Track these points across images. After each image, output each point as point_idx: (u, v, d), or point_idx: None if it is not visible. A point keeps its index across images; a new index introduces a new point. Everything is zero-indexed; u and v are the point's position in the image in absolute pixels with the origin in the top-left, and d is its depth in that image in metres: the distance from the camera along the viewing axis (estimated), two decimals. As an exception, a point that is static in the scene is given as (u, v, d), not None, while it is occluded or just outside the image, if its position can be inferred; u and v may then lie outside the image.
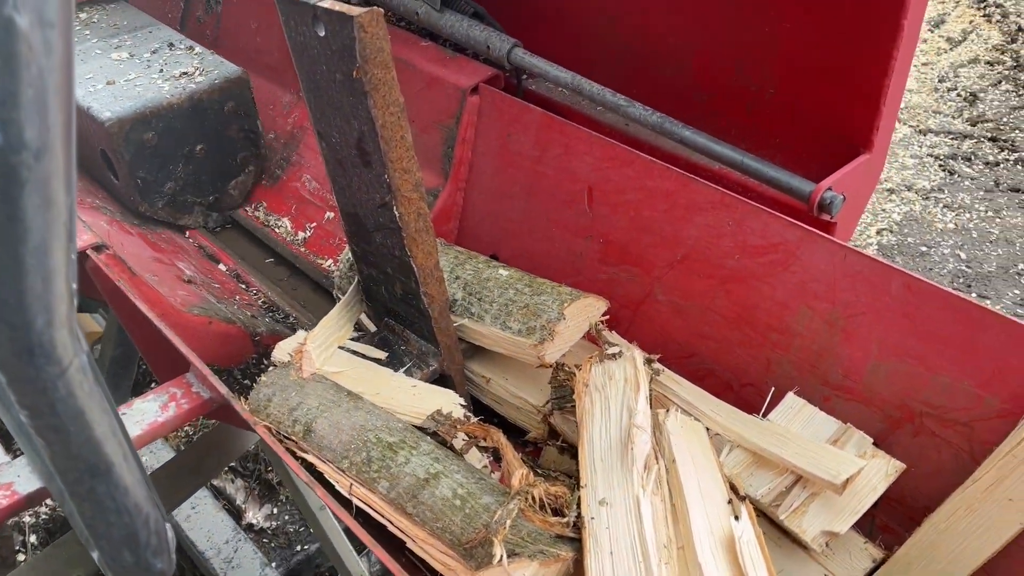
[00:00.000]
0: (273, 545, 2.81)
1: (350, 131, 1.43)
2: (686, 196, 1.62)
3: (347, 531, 2.48)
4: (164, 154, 2.02)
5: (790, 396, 1.46)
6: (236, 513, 2.84)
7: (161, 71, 2.11)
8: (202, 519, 2.64)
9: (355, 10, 1.26)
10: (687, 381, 1.53)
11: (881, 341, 1.40)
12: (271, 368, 1.54)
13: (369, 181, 1.47)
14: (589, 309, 1.58)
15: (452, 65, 2.03)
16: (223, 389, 1.21)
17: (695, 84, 1.88)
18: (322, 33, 1.33)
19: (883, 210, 4.48)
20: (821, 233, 1.45)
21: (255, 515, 2.83)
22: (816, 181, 1.59)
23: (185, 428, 3.16)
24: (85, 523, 0.81)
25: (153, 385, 2.59)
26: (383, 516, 1.32)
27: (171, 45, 2.25)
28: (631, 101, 1.79)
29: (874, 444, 1.40)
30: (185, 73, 2.09)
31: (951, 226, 4.34)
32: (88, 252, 1.50)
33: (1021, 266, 4.08)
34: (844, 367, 1.44)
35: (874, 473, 1.33)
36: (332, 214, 2.15)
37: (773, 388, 1.49)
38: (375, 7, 1.26)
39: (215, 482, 2.89)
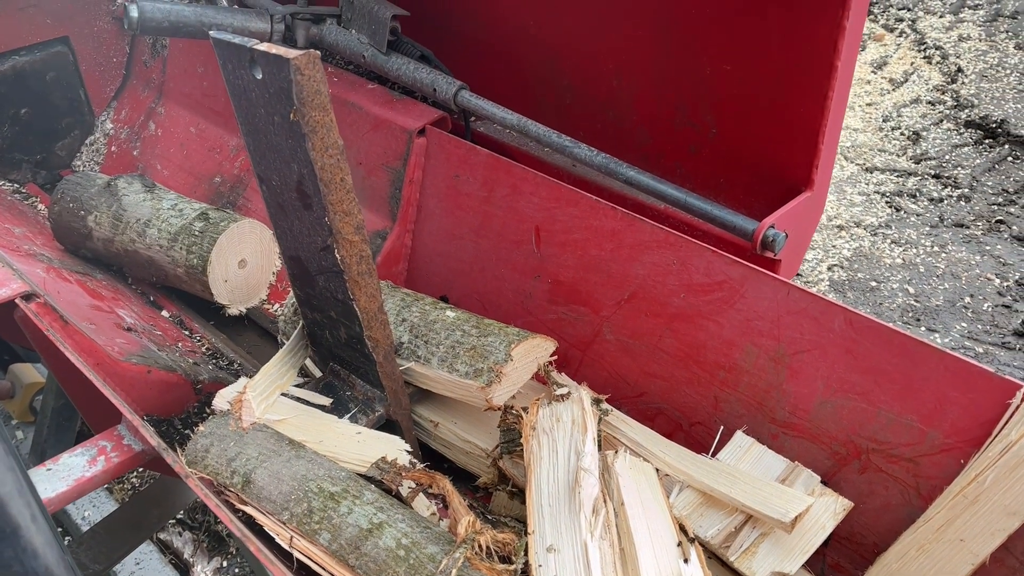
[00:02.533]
0: (222, 600, 2.71)
1: (290, 174, 1.41)
2: (632, 235, 1.62)
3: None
4: None
5: (739, 435, 1.46)
6: (183, 568, 2.74)
7: None
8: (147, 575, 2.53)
9: (291, 52, 1.25)
10: (636, 421, 1.52)
11: (826, 378, 1.40)
12: (210, 417, 1.49)
13: (310, 224, 1.45)
14: (537, 350, 1.57)
15: (399, 107, 2.02)
16: (155, 441, 1.17)
17: (639, 125, 1.89)
18: (259, 76, 1.32)
19: (833, 246, 4.56)
20: (764, 271, 1.46)
21: (203, 569, 2.73)
22: (760, 219, 1.61)
23: (131, 479, 3.05)
24: (-10, 590, 0.76)
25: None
26: (325, 569, 1.28)
27: None
28: (576, 142, 1.80)
29: (823, 481, 1.39)
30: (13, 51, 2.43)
31: (899, 261, 4.43)
32: (17, 301, 1.45)
33: (967, 300, 4.16)
34: (791, 404, 1.44)
35: (822, 511, 1.33)
36: (279, 261, 2.12)
37: (722, 427, 1.49)
38: (311, 50, 1.25)
39: (161, 535, 2.79)
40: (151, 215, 2.01)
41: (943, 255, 4.47)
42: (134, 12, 1.92)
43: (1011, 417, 1.20)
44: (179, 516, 2.89)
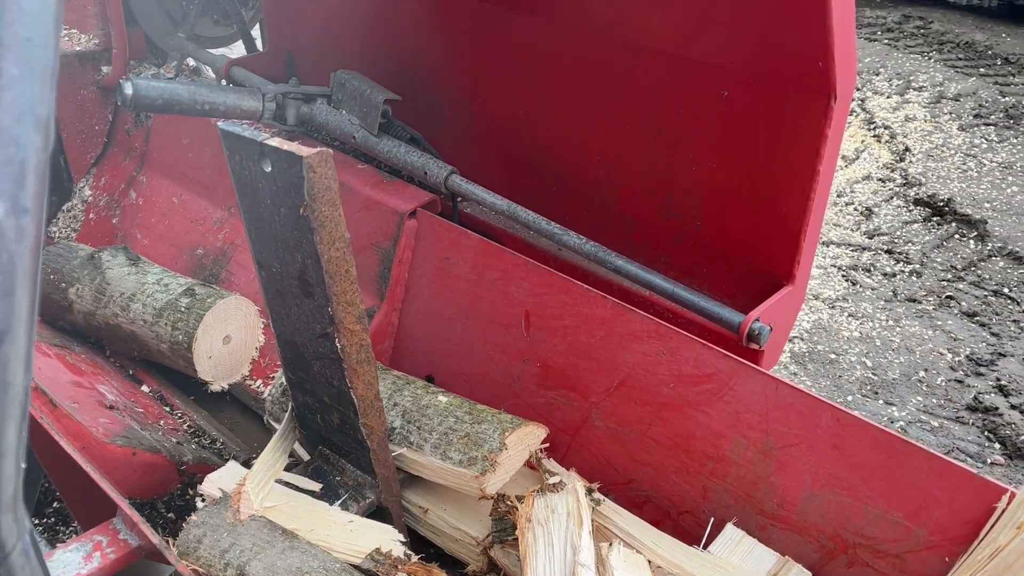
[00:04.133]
0: None
1: (292, 263, 1.43)
2: (622, 324, 1.66)
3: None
4: None
5: (729, 527, 1.48)
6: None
7: None
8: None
9: (304, 150, 1.28)
10: (627, 512, 1.53)
11: (813, 472, 1.44)
12: (201, 505, 1.47)
13: (310, 311, 1.46)
14: (529, 437, 1.58)
15: (390, 188, 2.06)
16: (155, 538, 1.15)
17: (625, 214, 1.95)
18: (268, 168, 1.34)
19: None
20: (753, 365, 1.50)
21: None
22: (740, 310, 1.66)
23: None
24: None
25: (73, 528, 2.43)
26: (320, 667, 1.26)
27: None
28: (565, 230, 1.85)
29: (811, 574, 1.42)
30: None
31: (856, 334, 4.56)
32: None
33: (922, 374, 4.29)
34: (779, 496, 1.48)
35: (814, 606, 1.35)
36: (263, 336, 2.11)
37: (712, 519, 1.51)
38: (325, 149, 1.28)
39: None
40: (135, 289, 2.00)
41: (897, 329, 4.61)
42: (128, 89, 1.94)
43: (997, 521, 1.25)
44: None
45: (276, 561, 1.36)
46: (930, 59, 8.33)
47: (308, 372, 1.57)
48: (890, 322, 4.67)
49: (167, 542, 1.26)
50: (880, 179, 6.20)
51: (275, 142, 1.32)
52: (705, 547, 1.47)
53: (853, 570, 1.40)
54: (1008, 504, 1.24)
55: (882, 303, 4.83)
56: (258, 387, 2.04)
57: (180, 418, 1.96)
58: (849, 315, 4.72)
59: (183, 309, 1.93)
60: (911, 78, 7.96)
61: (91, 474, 1.24)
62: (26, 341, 0.60)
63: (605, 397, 1.70)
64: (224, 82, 2.48)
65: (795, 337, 4.52)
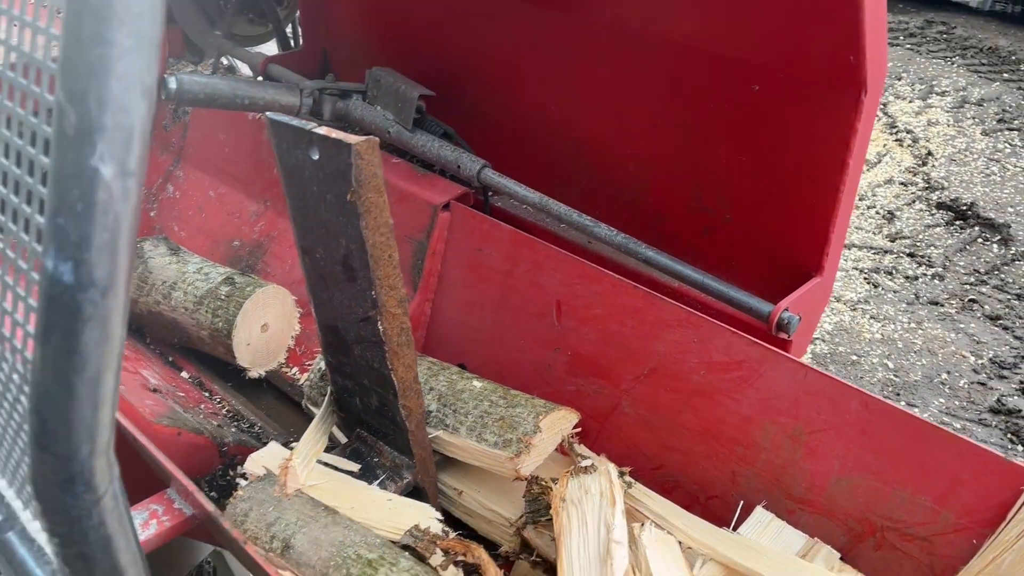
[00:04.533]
0: (214, 666, 2.67)
1: (336, 248, 1.48)
2: (653, 313, 1.70)
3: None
4: None
5: (759, 510, 1.52)
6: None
7: None
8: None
9: (352, 138, 1.33)
10: (657, 495, 1.57)
11: (842, 457, 1.47)
12: (243, 483, 1.52)
13: (353, 296, 1.51)
14: (562, 422, 1.62)
15: (424, 182, 2.11)
16: (210, 506, 1.20)
17: (655, 207, 1.99)
18: (316, 157, 1.40)
19: (815, 320, 4.69)
20: (782, 352, 1.54)
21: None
22: (769, 301, 1.70)
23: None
24: (95, 653, 0.79)
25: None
26: (363, 636, 1.31)
27: None
28: (596, 222, 1.89)
29: (841, 558, 1.45)
30: None
31: (878, 336, 4.57)
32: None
33: (944, 376, 4.29)
34: (807, 481, 1.51)
35: (842, 587, 1.38)
36: (299, 325, 2.16)
37: (742, 502, 1.55)
38: (372, 137, 1.33)
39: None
40: (177, 278, 2.06)
41: (920, 331, 4.61)
42: (173, 84, 2.00)
43: None
44: (173, 578, 2.85)
45: (320, 535, 1.41)
46: (953, 64, 8.30)
47: (348, 356, 1.62)
48: (912, 324, 4.68)
49: (221, 513, 1.31)
50: (902, 183, 6.20)
51: (323, 131, 1.37)
52: (734, 529, 1.50)
53: (881, 553, 1.43)
54: (1035, 486, 1.27)
55: (904, 306, 4.83)
56: (294, 374, 2.10)
57: (219, 403, 2.02)
58: (871, 317, 4.72)
59: (223, 297, 1.98)
60: (934, 83, 7.93)
61: (147, 446, 1.29)
62: (124, 297, 0.65)
63: (635, 384, 1.73)
64: (260, 79, 2.54)
65: (817, 339, 4.53)
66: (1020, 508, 1.27)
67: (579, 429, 1.65)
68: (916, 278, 5.07)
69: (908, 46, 8.98)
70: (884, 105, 7.48)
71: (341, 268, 1.50)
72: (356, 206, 1.36)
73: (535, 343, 1.88)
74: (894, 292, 4.93)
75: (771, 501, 1.54)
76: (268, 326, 2.04)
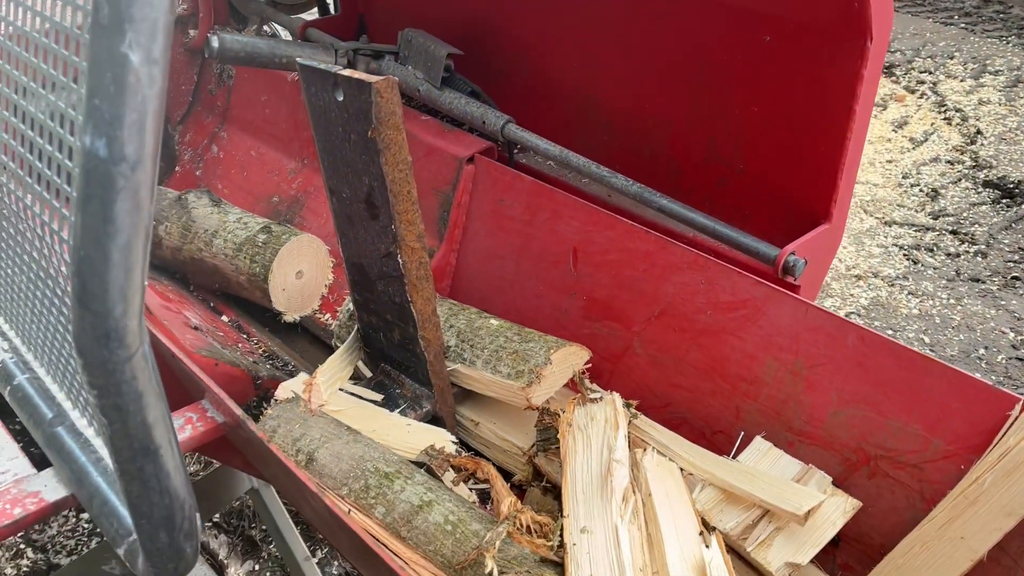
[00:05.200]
0: (253, 602, 2.82)
1: (360, 186, 1.58)
2: (664, 257, 1.77)
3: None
4: None
5: (758, 439, 1.58)
6: (218, 568, 2.86)
7: None
8: (184, 572, 2.65)
9: (372, 78, 1.42)
10: (662, 427, 1.65)
11: (839, 389, 1.53)
12: (276, 403, 1.64)
13: (375, 232, 1.61)
14: (573, 357, 1.71)
15: (450, 137, 2.20)
16: (238, 411, 1.31)
17: (672, 160, 2.06)
18: (340, 98, 1.50)
19: (851, 295, 4.68)
20: (784, 290, 1.60)
21: (237, 571, 2.85)
22: (782, 247, 1.75)
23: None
24: (131, 501, 0.90)
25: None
26: (379, 540, 1.41)
27: None
28: (613, 173, 1.96)
29: (834, 484, 1.51)
30: None
31: (915, 312, 4.54)
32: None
33: (981, 351, 4.26)
34: (807, 414, 1.57)
35: (833, 509, 1.45)
36: (332, 274, 2.27)
37: (743, 433, 1.61)
38: (391, 76, 1.42)
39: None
40: (218, 227, 2.19)
41: (959, 308, 4.57)
42: (215, 42, 2.12)
43: (1011, 426, 1.33)
44: (216, 519, 3.01)
45: (341, 450, 1.52)
46: (1008, 43, 8.11)
47: (373, 292, 1.72)
48: (951, 301, 4.64)
49: (251, 419, 1.42)
50: (949, 161, 6.10)
51: (347, 72, 1.47)
52: (734, 458, 1.57)
53: (874, 481, 1.49)
54: (1021, 412, 1.32)
55: (944, 282, 4.79)
56: (327, 320, 2.21)
57: (256, 344, 2.14)
58: (909, 293, 4.69)
59: (260, 244, 2.10)
60: (987, 62, 7.76)
61: (184, 361, 1.41)
62: (152, 173, 0.75)
63: (646, 326, 1.81)
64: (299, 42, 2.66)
65: (852, 313, 4.53)
66: (1005, 432, 1.32)
67: (589, 365, 1.72)
68: (958, 255, 5.01)
69: (962, 25, 8.78)
70: (934, 84, 7.35)
71: (365, 206, 1.60)
72: (376, 143, 1.46)
73: (552, 289, 1.97)
74: (934, 269, 4.88)
75: (772, 434, 1.61)
76: (303, 273, 2.16)
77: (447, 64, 2.25)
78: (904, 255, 5.01)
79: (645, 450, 1.52)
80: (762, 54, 1.76)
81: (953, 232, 5.23)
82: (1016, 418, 1.32)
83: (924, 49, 7.98)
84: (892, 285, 4.74)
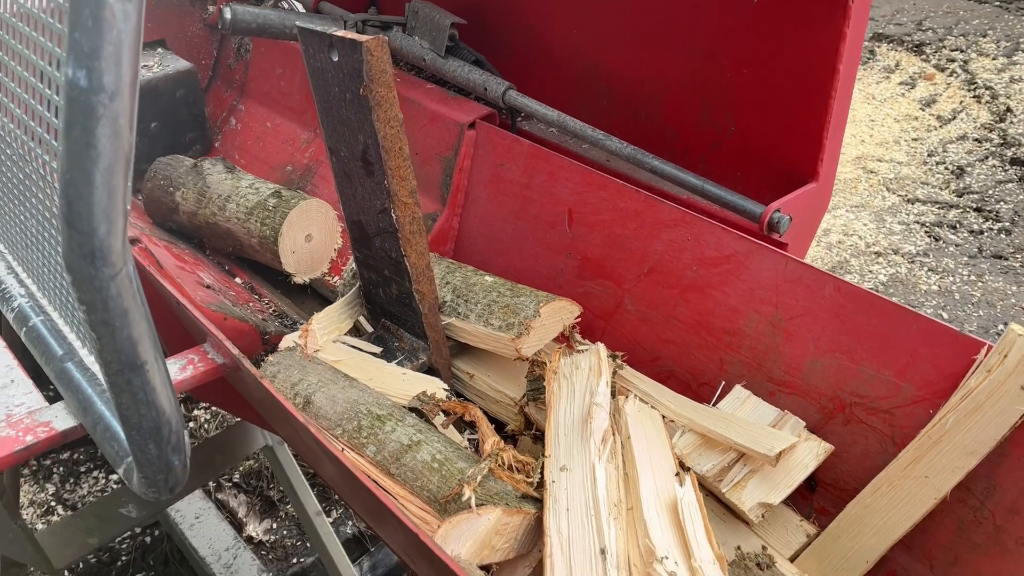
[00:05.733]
0: (271, 557, 2.93)
1: (356, 144, 1.65)
2: (652, 215, 1.82)
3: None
4: None
5: (737, 388, 1.64)
6: (237, 525, 2.97)
7: None
8: (205, 527, 2.77)
9: (363, 37, 1.49)
10: (645, 376, 1.70)
11: (816, 339, 1.58)
12: (277, 351, 1.73)
13: (371, 189, 1.69)
14: (563, 311, 1.77)
15: (453, 104, 2.27)
16: (235, 351, 1.40)
17: (667, 124, 2.10)
18: (335, 58, 1.57)
19: (870, 271, 4.67)
20: (766, 245, 1.64)
21: (255, 528, 2.96)
22: (769, 207, 1.79)
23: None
24: (121, 414, 0.99)
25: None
26: (369, 476, 1.49)
27: None
28: (608, 136, 2.01)
29: (811, 431, 1.56)
30: (146, 65, 2.58)
31: (935, 288, 4.52)
32: (123, 244, 1.71)
33: (1001, 327, 4.23)
34: (786, 364, 1.62)
35: (806, 453, 1.50)
36: (340, 239, 2.36)
37: (723, 383, 1.67)
38: (381, 35, 1.49)
39: (219, 496, 3.04)
40: (231, 192, 2.28)
41: (979, 284, 4.55)
42: (228, 14, 2.21)
43: (975, 370, 1.37)
44: (235, 480, 3.13)
45: (337, 394, 1.60)
46: (1043, 20, 7.95)
47: (371, 248, 1.80)
48: (972, 277, 4.61)
49: (249, 360, 1.51)
50: (976, 139, 6.03)
51: (341, 33, 1.54)
52: (715, 405, 1.63)
53: (849, 427, 1.53)
54: (985, 356, 1.35)
55: (965, 259, 4.76)
56: (335, 282, 2.29)
57: (266, 304, 2.23)
58: (929, 270, 4.67)
59: (270, 208, 2.19)
60: (1021, 40, 7.63)
61: (188, 307, 1.50)
62: (130, 102, 0.83)
63: (636, 283, 1.86)
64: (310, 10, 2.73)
65: (870, 288, 4.53)
66: (970, 376, 1.36)
67: (579, 319, 1.78)
68: (981, 232, 4.97)
69: (997, 3, 8.62)
70: (965, 63, 7.25)
71: (361, 163, 1.67)
72: (368, 100, 1.53)
73: (548, 250, 2.03)
74: (956, 246, 4.85)
75: (754, 384, 1.66)
76: (312, 237, 2.24)
77: (451, 33, 2.31)
78: (926, 232, 4.98)
79: (628, 397, 1.58)
80: (751, 17, 1.80)
81: (977, 209, 5.18)
82: (980, 362, 1.35)
83: (956, 27, 7.86)
84: (912, 262, 4.72)
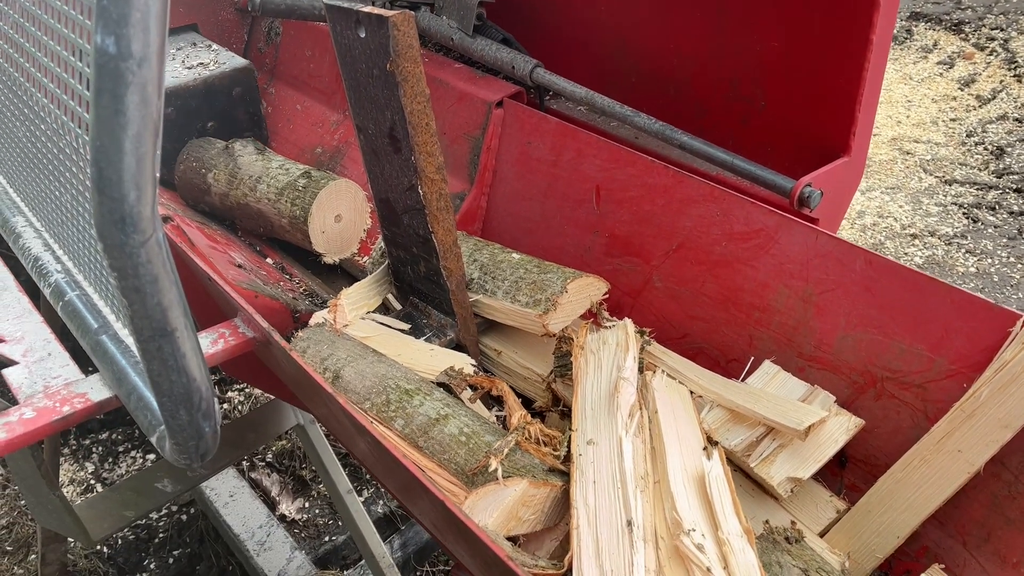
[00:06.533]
0: (303, 535, 2.98)
1: (383, 121, 1.66)
2: (680, 191, 1.81)
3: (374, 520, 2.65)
4: (181, 127, 2.45)
5: (766, 363, 1.62)
6: (271, 504, 3.02)
7: (183, 62, 2.51)
8: (239, 506, 2.82)
9: (390, 12, 1.50)
10: (674, 352, 1.69)
11: (848, 314, 1.56)
12: (307, 327, 1.75)
13: (399, 166, 1.69)
14: (591, 288, 1.76)
15: (481, 83, 2.26)
16: (265, 325, 1.42)
17: (696, 100, 2.08)
18: (362, 34, 1.57)
19: (905, 253, 4.59)
20: (795, 219, 1.62)
21: (288, 507, 3.00)
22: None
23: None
24: (152, 380, 1.01)
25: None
26: (397, 449, 1.50)
27: (194, 44, 2.60)
28: (637, 112, 2.00)
29: (842, 407, 1.54)
30: (202, 63, 2.53)
31: (972, 270, 4.44)
32: (156, 222, 1.74)
33: (1042, 309, 4.15)
34: (816, 339, 1.60)
35: (836, 428, 1.48)
36: (370, 220, 2.37)
37: (752, 358, 1.65)
38: (407, 10, 1.49)
39: (253, 475, 3.09)
40: (262, 173, 2.30)
41: (1019, 266, 4.45)
42: (257, -4, 2.23)
43: (1011, 343, 1.34)
44: (268, 460, 3.18)
45: (365, 368, 1.61)
46: (1088, -4, 7.73)
47: (400, 226, 1.81)
48: (1011, 259, 4.51)
49: (279, 334, 1.52)
50: (1017, 119, 5.90)
51: (367, 9, 1.55)
52: (744, 381, 1.61)
53: (880, 402, 1.51)
54: (1022, 328, 1.33)
55: (1005, 240, 4.66)
56: (365, 262, 2.31)
57: (297, 283, 2.26)
58: (967, 252, 4.59)
59: (300, 188, 2.21)
60: (1064, 17, 7.42)
61: (220, 283, 1.52)
62: (158, 69, 0.84)
63: (664, 260, 1.85)
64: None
65: (905, 271, 4.46)
66: (1006, 348, 1.33)
67: (607, 296, 1.78)
68: (1021, 213, 4.86)
69: (1040, -21, 8.40)
70: (1005, 41, 7.07)
71: (388, 140, 1.68)
72: (395, 75, 1.53)
73: (576, 227, 2.02)
74: (995, 227, 4.75)
75: (783, 359, 1.64)
76: (341, 217, 2.26)
77: (479, 12, 2.31)
78: (964, 214, 4.88)
79: (655, 372, 1.58)
80: (781, -13, 1.77)
81: (1017, 190, 5.07)
82: (1016, 334, 1.33)
83: (997, 6, 7.67)
84: (949, 244, 4.63)
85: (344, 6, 1.59)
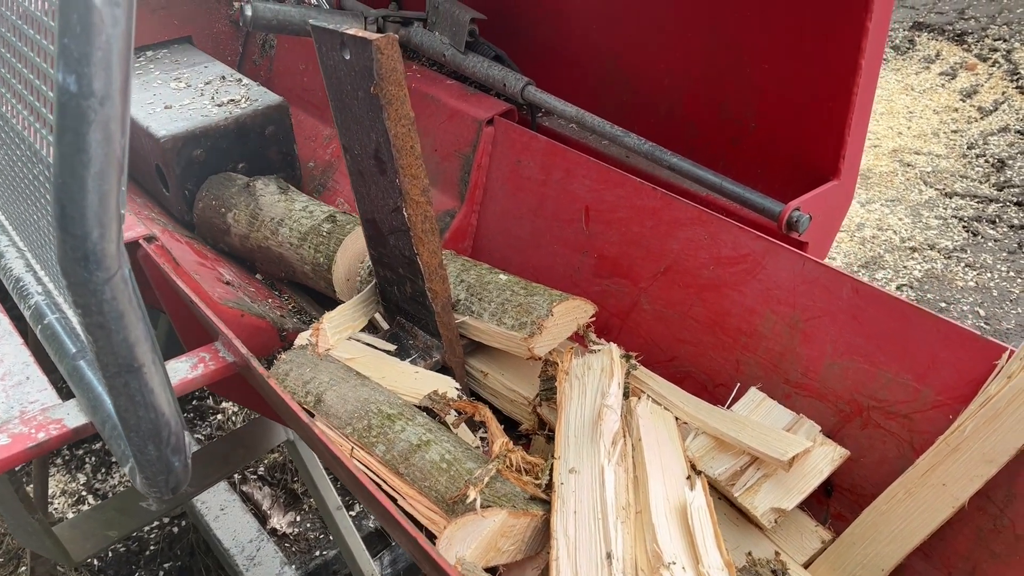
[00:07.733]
0: (294, 550, 2.96)
1: (369, 143, 1.65)
2: (669, 213, 1.79)
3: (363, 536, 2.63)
4: (211, 169, 2.27)
5: (752, 390, 1.61)
6: (262, 518, 3.01)
7: (212, 98, 2.38)
8: (229, 520, 2.81)
9: (373, 36, 1.49)
10: (660, 377, 1.68)
11: (834, 341, 1.54)
12: (291, 349, 1.73)
13: (384, 187, 1.68)
14: (577, 311, 1.75)
15: (472, 100, 2.25)
16: (244, 351, 1.41)
17: (687, 119, 2.07)
18: (347, 57, 1.56)
19: (904, 267, 4.57)
20: (783, 244, 1.61)
21: (279, 521, 2.99)
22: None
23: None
24: (120, 415, 1.00)
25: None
26: (378, 476, 1.49)
27: (223, 78, 2.53)
28: (627, 132, 1.98)
29: (828, 436, 1.53)
30: (232, 100, 2.38)
31: (972, 284, 4.41)
32: (140, 242, 1.73)
33: (1041, 325, 4.12)
34: (803, 366, 1.59)
35: (820, 458, 1.46)
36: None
37: (739, 384, 1.64)
38: (390, 34, 1.48)
39: (244, 488, 3.08)
40: (284, 215, 2.23)
41: (1019, 280, 4.43)
42: (248, 11, 2.22)
43: (995, 376, 1.33)
44: (260, 473, 3.17)
45: (348, 392, 1.60)
46: (1091, 8, 7.71)
47: (386, 247, 1.80)
48: (1011, 273, 4.49)
49: (259, 360, 1.51)
50: (1019, 131, 5.87)
51: (352, 31, 1.54)
52: (729, 408, 1.60)
53: (866, 431, 1.50)
54: (1007, 361, 1.31)
55: (1004, 254, 4.64)
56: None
57: (286, 300, 2.25)
58: (966, 265, 4.56)
59: (324, 234, 2.14)
60: (1067, 28, 7.40)
61: (200, 306, 1.51)
62: (121, 106, 0.83)
63: (652, 282, 1.84)
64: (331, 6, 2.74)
65: (903, 285, 4.43)
66: (991, 381, 1.32)
67: (594, 319, 1.76)
68: (1022, 227, 4.84)
69: (1043, -10, 8.38)
70: (1008, 52, 7.05)
71: (374, 162, 1.67)
72: (379, 98, 1.52)
73: (565, 247, 2.01)
74: (995, 241, 4.72)
75: (770, 386, 1.63)
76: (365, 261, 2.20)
77: (471, 29, 2.30)
78: (964, 227, 4.86)
79: (640, 398, 1.56)
80: (772, 10, 1.76)
81: (1018, 204, 5.05)
82: (1001, 367, 1.31)
83: (1000, 16, 7.65)
84: (949, 257, 4.61)
85: (329, 28, 1.58)
